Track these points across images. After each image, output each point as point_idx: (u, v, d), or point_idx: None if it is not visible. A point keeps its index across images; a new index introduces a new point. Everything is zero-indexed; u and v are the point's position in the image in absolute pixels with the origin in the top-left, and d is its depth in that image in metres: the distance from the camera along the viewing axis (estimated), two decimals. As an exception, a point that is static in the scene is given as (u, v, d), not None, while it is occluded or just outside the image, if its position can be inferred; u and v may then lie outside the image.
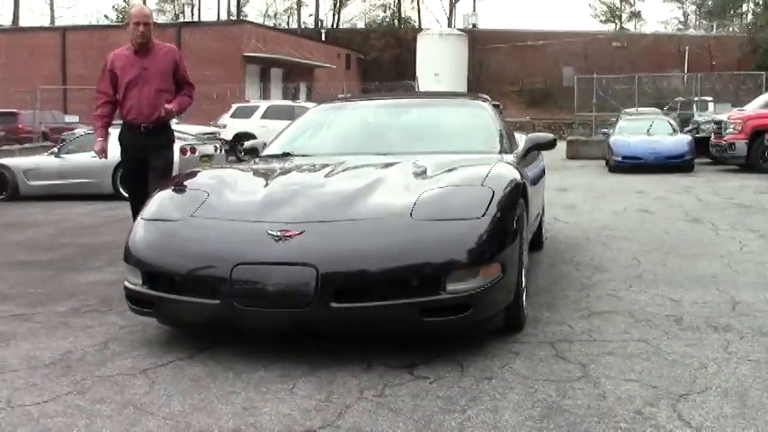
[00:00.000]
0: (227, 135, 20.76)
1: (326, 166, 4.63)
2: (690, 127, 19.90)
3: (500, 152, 5.21)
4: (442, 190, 3.95)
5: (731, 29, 60.27)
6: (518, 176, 4.34)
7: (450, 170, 4.36)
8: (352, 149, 5.18)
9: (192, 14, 61.97)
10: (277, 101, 29.34)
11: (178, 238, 3.89)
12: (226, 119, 23.25)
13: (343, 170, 4.49)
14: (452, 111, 6.04)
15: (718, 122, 16.96)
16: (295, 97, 38.80)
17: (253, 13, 61.37)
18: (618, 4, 71.86)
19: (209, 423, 2.98)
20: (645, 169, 16.56)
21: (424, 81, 41.47)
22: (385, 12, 59.22)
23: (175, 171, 12.17)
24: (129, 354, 3.93)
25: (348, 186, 4.14)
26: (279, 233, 3.65)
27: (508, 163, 4.68)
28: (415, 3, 60.22)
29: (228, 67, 35.95)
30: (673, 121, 19.35)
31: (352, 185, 4.14)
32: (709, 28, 59.78)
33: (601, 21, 70.36)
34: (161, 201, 4.27)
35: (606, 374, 3.48)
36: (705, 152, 17.89)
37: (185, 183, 4.51)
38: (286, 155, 5.32)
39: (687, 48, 46.41)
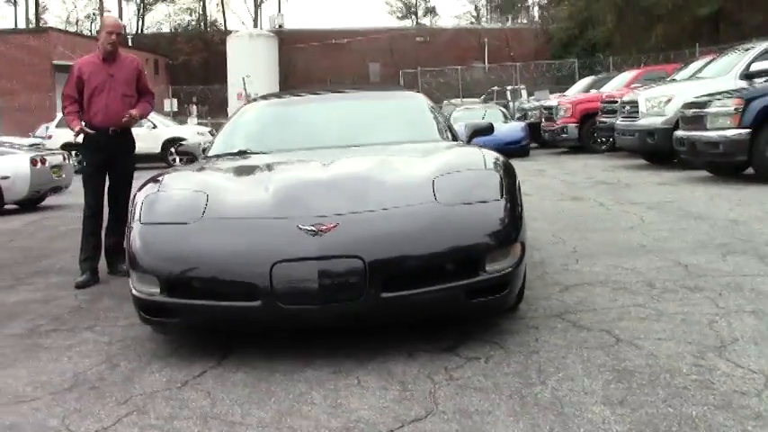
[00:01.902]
0: (54, 146, 19.43)
1: (310, 159, 4.57)
2: (518, 114, 21.05)
3: (451, 140, 5.39)
4: (455, 175, 4.02)
5: (520, 20, 64.20)
6: (505, 159, 4.50)
7: (437, 156, 4.45)
8: (313, 143, 5.13)
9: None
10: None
11: (199, 241, 3.68)
12: (51, 128, 21.82)
13: (335, 161, 4.43)
14: (395, 102, 6.11)
15: (549, 108, 18.12)
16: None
17: (53, 21, 57.84)
18: (413, 1, 74.68)
19: (311, 425, 2.90)
20: (484, 156, 17.35)
21: (238, 82, 40.86)
22: (191, 15, 57.75)
23: (28, 183, 11.52)
24: (148, 368, 3.69)
25: (356, 177, 4.11)
26: (313, 227, 3.57)
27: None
28: (221, 5, 59.21)
29: (37, 77, 33.83)
30: (504, 109, 20.40)
31: (359, 176, 4.11)
32: (504, 21, 63.26)
33: (398, 17, 72.88)
34: (157, 204, 4.00)
35: (636, 337, 3.71)
36: (535, 137, 19.07)
37: (170, 185, 4.27)
38: (243, 153, 5.17)
39: (486, 40, 48.86)
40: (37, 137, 22.84)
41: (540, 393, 3.07)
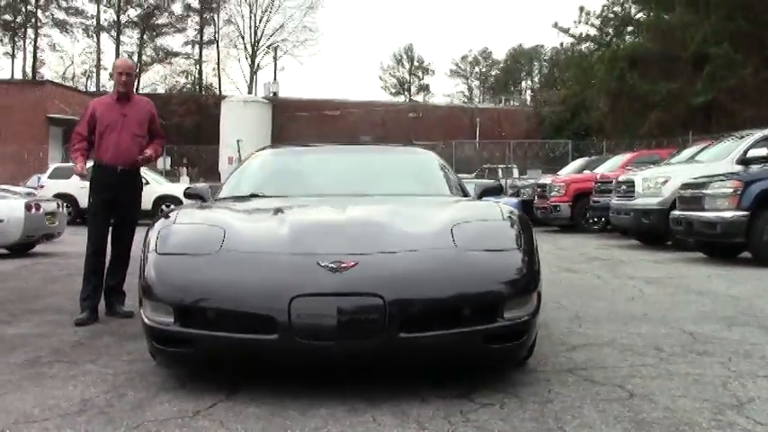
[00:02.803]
0: (46, 196, 19.42)
1: (324, 204, 4.61)
2: (510, 191, 21.24)
3: (462, 195, 5.45)
4: (474, 223, 4.06)
5: (512, 102, 65.47)
6: (520, 213, 4.54)
7: (453, 207, 4.50)
8: (324, 191, 5.16)
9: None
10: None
11: (217, 272, 3.66)
12: (43, 179, 21.88)
13: (350, 207, 4.44)
14: (406, 157, 6.19)
15: (542, 186, 18.29)
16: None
17: (49, 75, 58.30)
18: (407, 77, 76.32)
19: (331, 455, 2.85)
20: (477, 230, 17.44)
21: (231, 145, 41.14)
22: (187, 78, 58.51)
23: (21, 227, 11.45)
24: (157, 399, 3.63)
25: (374, 221, 4.11)
26: (333, 264, 3.57)
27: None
28: (217, 70, 60.07)
29: (31, 129, 34.04)
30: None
31: (377, 221, 4.11)
32: (497, 101, 64.43)
33: (391, 93, 74.30)
34: (173, 236, 4.00)
35: (650, 392, 3.69)
36: (526, 214, 19.18)
37: (184, 219, 4.27)
38: (254, 196, 5.18)
39: (479, 119, 49.62)
40: (28, 187, 22.85)
41: (560, 438, 3.04)
